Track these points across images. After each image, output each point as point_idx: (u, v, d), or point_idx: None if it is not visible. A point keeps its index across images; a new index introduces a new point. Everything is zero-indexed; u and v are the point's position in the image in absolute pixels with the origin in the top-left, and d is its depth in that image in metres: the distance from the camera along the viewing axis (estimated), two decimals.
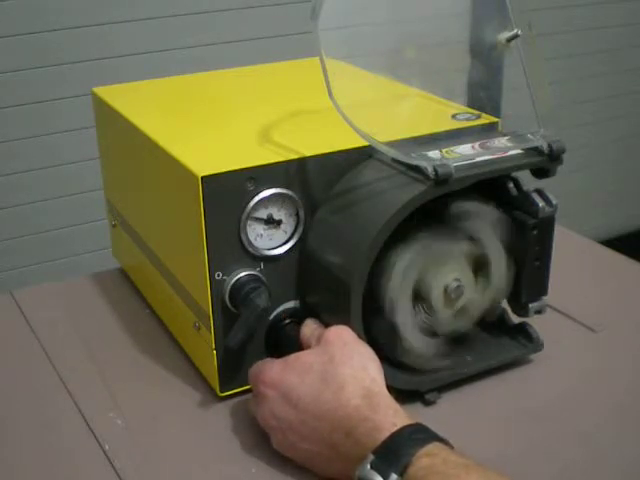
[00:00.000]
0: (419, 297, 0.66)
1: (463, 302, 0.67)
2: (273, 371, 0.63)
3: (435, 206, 0.65)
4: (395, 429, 0.56)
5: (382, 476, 0.53)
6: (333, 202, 0.69)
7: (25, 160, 1.70)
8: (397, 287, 0.64)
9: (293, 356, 0.63)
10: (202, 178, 0.64)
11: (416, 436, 0.55)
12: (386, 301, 0.64)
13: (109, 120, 0.86)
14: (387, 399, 0.59)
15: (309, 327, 0.68)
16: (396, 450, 0.54)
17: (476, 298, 0.68)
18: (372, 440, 0.56)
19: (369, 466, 0.54)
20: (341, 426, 0.58)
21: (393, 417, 0.57)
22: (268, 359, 0.66)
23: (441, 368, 0.70)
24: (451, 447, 0.56)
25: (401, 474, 0.53)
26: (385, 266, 0.64)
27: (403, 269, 0.64)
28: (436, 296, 0.66)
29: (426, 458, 0.53)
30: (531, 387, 0.73)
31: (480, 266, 0.68)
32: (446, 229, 0.66)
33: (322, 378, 0.60)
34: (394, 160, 0.67)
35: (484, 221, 0.67)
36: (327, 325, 0.66)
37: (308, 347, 0.66)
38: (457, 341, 0.71)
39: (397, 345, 0.66)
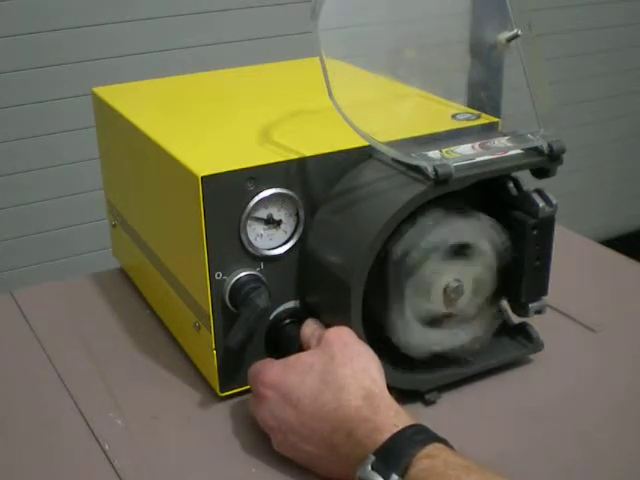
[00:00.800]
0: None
1: (458, 307, 0.68)
2: (273, 372, 0.63)
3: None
4: (396, 430, 0.56)
5: (383, 477, 0.53)
6: (333, 202, 0.69)
7: (25, 160, 1.70)
8: (426, 246, 0.64)
9: (293, 357, 0.63)
10: (202, 178, 0.64)
11: (417, 437, 0.55)
12: (407, 259, 0.64)
13: (109, 120, 0.87)
14: (388, 400, 0.59)
15: (309, 327, 0.68)
16: (397, 451, 0.54)
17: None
18: (372, 441, 0.56)
19: (370, 467, 0.54)
20: (341, 427, 0.58)
21: (394, 418, 0.57)
22: (268, 360, 0.66)
23: (431, 363, 0.70)
24: (451, 448, 0.56)
25: (402, 475, 0.53)
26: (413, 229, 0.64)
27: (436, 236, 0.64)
28: (436, 289, 0.66)
29: (427, 459, 0.53)
30: (531, 387, 0.73)
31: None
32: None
33: (322, 379, 0.60)
34: (394, 160, 0.67)
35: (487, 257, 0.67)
36: (327, 325, 0.66)
37: (308, 347, 0.66)
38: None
39: (390, 317, 0.66)
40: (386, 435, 0.55)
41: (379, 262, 0.65)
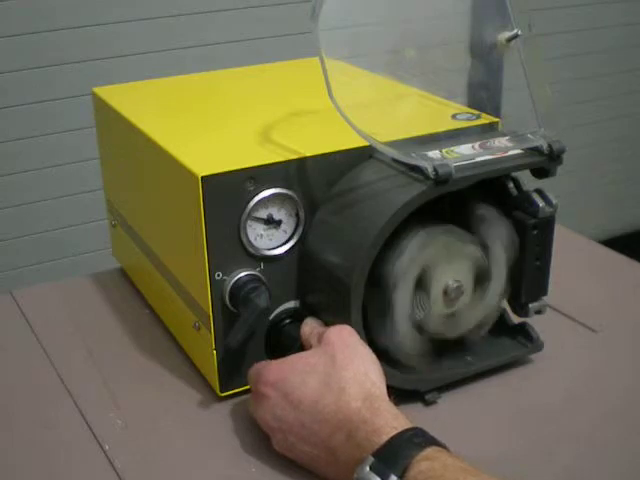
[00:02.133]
0: (419, 286, 0.66)
1: (458, 306, 0.68)
2: (274, 371, 0.63)
3: (457, 203, 0.65)
4: (395, 432, 0.56)
5: (381, 478, 0.53)
6: (333, 202, 0.69)
7: (25, 160, 1.70)
8: (406, 263, 0.64)
9: (295, 356, 0.63)
10: (202, 178, 0.64)
11: (416, 440, 0.55)
12: (391, 275, 0.64)
13: (109, 120, 0.86)
14: (387, 403, 0.59)
15: (309, 326, 0.68)
16: (396, 453, 0.54)
17: (468, 308, 0.68)
18: (371, 444, 0.56)
19: (368, 468, 0.54)
20: (341, 429, 0.58)
21: (393, 421, 0.57)
22: (269, 361, 0.66)
23: (421, 368, 0.69)
24: (449, 452, 0.55)
25: (400, 476, 0.53)
26: (398, 242, 0.64)
27: (418, 246, 0.64)
28: (436, 291, 0.66)
29: (425, 461, 0.53)
30: (531, 387, 0.73)
31: (480, 279, 0.68)
32: (463, 229, 0.66)
33: (323, 381, 0.60)
34: (394, 160, 0.67)
35: (499, 233, 0.67)
36: (327, 324, 0.66)
37: (309, 345, 0.66)
38: (457, 341, 0.71)
39: (386, 328, 0.66)
40: (385, 438, 0.55)
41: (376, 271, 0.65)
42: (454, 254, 0.66)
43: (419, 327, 0.67)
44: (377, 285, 0.65)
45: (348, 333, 0.63)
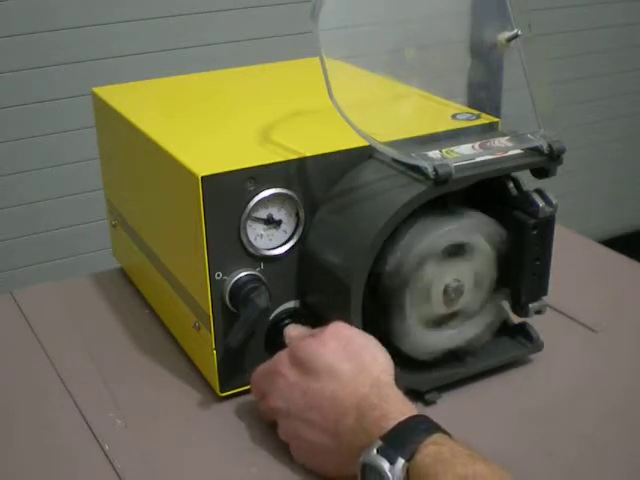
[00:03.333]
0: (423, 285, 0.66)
1: (461, 304, 0.68)
2: (288, 353, 0.63)
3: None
4: (403, 418, 0.56)
5: (389, 461, 0.54)
6: (333, 202, 0.69)
7: (25, 160, 1.70)
8: (413, 266, 0.64)
9: (306, 340, 0.63)
10: (202, 178, 0.64)
11: (423, 425, 0.56)
12: (398, 277, 0.64)
13: (109, 120, 0.86)
14: (395, 390, 0.60)
15: (297, 331, 0.68)
16: (404, 437, 0.55)
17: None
18: (379, 429, 0.56)
19: (375, 451, 0.55)
20: (349, 414, 0.58)
21: (402, 407, 0.58)
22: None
23: (436, 363, 0.70)
24: (455, 440, 0.56)
25: (408, 460, 0.53)
26: (398, 243, 0.64)
27: (436, 237, 0.64)
28: (436, 289, 0.66)
29: (433, 446, 0.54)
30: (531, 387, 0.73)
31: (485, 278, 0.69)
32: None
33: (331, 367, 0.60)
34: (394, 160, 0.67)
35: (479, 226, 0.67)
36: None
37: None
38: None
39: (399, 331, 0.66)
40: (393, 422, 0.56)
41: (375, 275, 0.65)
42: (454, 254, 0.66)
43: (431, 324, 0.67)
44: (381, 288, 0.65)
45: (347, 326, 0.64)
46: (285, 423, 0.63)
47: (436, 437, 0.54)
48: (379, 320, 0.67)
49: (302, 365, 0.62)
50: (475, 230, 0.67)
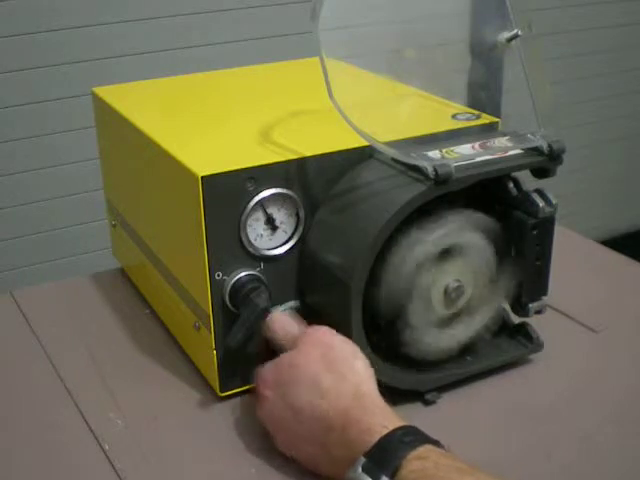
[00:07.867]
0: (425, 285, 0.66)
1: (460, 305, 0.68)
2: (270, 372, 0.63)
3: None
4: (385, 431, 0.55)
5: (372, 478, 0.53)
6: (333, 202, 0.69)
7: (25, 160, 1.70)
8: (424, 254, 0.64)
9: (286, 356, 0.63)
10: (202, 178, 0.64)
11: (406, 439, 0.55)
12: (401, 280, 0.64)
13: (109, 120, 0.86)
14: (377, 400, 0.59)
15: (279, 324, 0.67)
16: (386, 453, 0.54)
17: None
18: (362, 442, 0.56)
19: (360, 468, 0.54)
20: (334, 427, 0.58)
21: (383, 419, 0.57)
22: (268, 362, 0.66)
23: (442, 363, 0.70)
24: (443, 449, 0.55)
25: (391, 477, 0.53)
26: (398, 243, 0.64)
27: (439, 237, 0.64)
28: (436, 291, 0.66)
29: (417, 461, 0.53)
30: (531, 387, 0.73)
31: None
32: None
33: (313, 381, 0.60)
34: (394, 160, 0.67)
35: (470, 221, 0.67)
36: (325, 325, 0.66)
37: (280, 345, 0.66)
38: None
39: (401, 329, 0.66)
40: (376, 437, 0.55)
41: (371, 298, 0.65)
42: (454, 255, 0.66)
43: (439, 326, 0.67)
44: (381, 312, 0.65)
45: (327, 332, 0.63)
46: (282, 437, 0.62)
47: (421, 450, 0.54)
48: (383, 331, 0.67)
49: (285, 386, 0.61)
50: (465, 229, 0.66)
